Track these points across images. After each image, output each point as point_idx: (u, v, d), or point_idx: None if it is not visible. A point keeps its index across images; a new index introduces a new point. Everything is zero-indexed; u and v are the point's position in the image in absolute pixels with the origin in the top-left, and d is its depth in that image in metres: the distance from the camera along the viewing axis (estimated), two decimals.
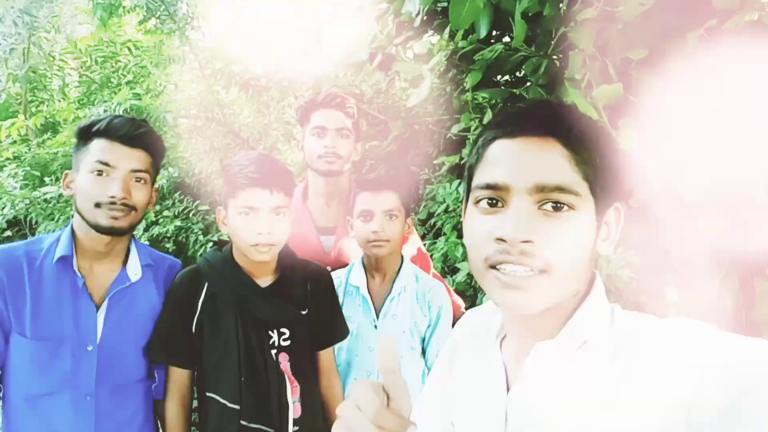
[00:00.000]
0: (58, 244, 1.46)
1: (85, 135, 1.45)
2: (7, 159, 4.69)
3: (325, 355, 1.69)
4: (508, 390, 0.81)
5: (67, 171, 1.52)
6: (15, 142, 4.88)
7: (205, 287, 1.54)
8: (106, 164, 1.41)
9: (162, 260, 1.65)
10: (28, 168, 4.57)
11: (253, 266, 1.55)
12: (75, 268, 1.45)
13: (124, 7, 4.32)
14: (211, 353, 1.51)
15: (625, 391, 0.67)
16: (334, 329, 1.69)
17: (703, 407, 0.59)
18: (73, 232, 1.49)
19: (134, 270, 1.54)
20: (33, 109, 5.99)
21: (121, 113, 3.84)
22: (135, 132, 1.46)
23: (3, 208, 3.99)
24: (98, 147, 1.43)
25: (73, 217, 1.50)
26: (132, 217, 1.46)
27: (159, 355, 1.53)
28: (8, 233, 4.11)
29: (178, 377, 1.54)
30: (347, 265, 1.93)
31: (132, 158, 1.45)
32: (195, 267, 1.60)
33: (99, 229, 1.42)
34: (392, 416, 0.64)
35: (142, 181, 1.48)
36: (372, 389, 0.66)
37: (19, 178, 4.35)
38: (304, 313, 1.57)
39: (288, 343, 1.53)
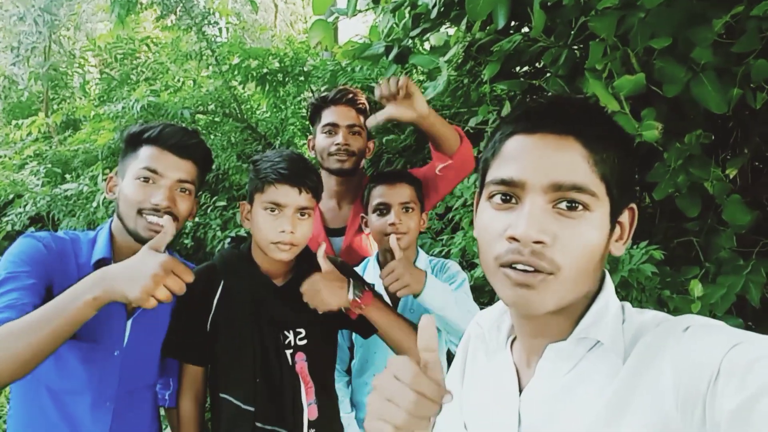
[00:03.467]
0: (95, 246, 1.44)
1: (135, 141, 1.44)
2: (29, 156, 4.75)
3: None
4: (520, 392, 0.81)
5: (111, 174, 1.50)
6: (36, 139, 4.94)
7: (221, 285, 1.52)
8: (154, 171, 1.40)
9: None
10: (50, 165, 4.63)
11: (271, 265, 1.53)
12: None
13: (141, 4, 4.33)
14: (224, 353, 1.49)
15: (639, 390, 0.67)
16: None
17: (717, 406, 0.57)
18: (111, 234, 1.47)
19: None
20: (54, 107, 6.07)
21: (138, 110, 3.86)
22: (187, 142, 1.44)
23: (25, 205, 4.04)
24: (147, 154, 1.41)
25: (112, 220, 1.48)
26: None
27: (174, 353, 1.51)
28: (31, 230, 4.17)
29: (192, 375, 1.52)
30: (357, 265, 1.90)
31: (180, 168, 1.43)
32: (210, 264, 1.58)
33: (138, 239, 1.39)
34: (429, 382, 0.67)
35: (187, 192, 1.46)
36: (408, 360, 0.69)
37: (40, 175, 4.40)
38: (320, 313, 1.53)
39: (304, 342, 1.51)
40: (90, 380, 1.39)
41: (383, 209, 1.75)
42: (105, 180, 1.52)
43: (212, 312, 1.50)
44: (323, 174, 2.04)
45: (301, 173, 1.45)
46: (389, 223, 1.71)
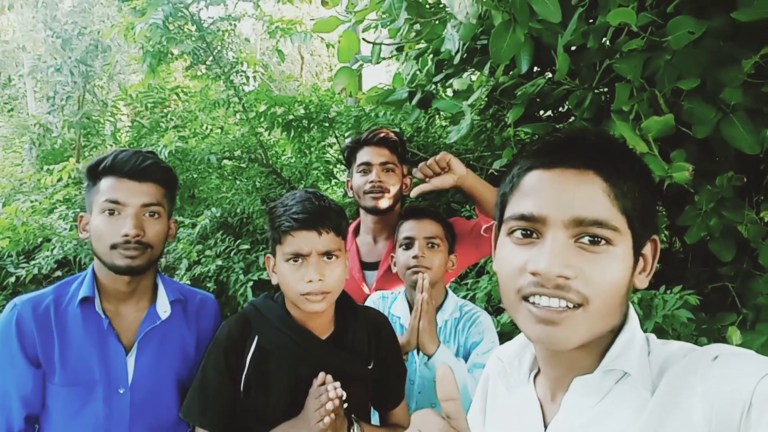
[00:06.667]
0: (81, 286, 1.43)
1: (93, 175, 1.41)
2: (58, 201, 4.84)
3: (399, 412, 1.51)
4: (545, 427, 0.79)
5: (82, 214, 1.47)
6: (67, 185, 5.05)
7: (255, 340, 1.37)
8: (116, 202, 1.37)
9: (192, 294, 1.59)
10: (78, 210, 4.71)
11: (308, 317, 1.39)
12: (98, 309, 1.41)
13: (172, 54, 4.48)
14: (255, 413, 1.34)
15: (669, 422, 0.65)
16: (402, 385, 1.54)
17: None
18: (94, 273, 1.45)
19: (163, 307, 1.49)
20: (86, 154, 6.23)
21: (166, 155, 3.93)
22: (141, 165, 1.40)
23: (53, 249, 4.11)
24: (107, 185, 1.38)
25: (93, 260, 1.46)
26: (149, 255, 1.41)
27: (201, 418, 1.34)
28: (58, 273, 4.22)
29: None
30: None
31: (142, 193, 1.39)
32: (242, 316, 1.42)
33: (117, 270, 1.38)
34: None
35: (156, 215, 1.42)
36: (432, 413, 0.69)
37: (69, 219, 4.48)
38: (370, 367, 1.43)
39: (345, 405, 1.33)
40: (97, 423, 1.37)
41: (408, 243, 1.74)
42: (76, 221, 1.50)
43: (245, 370, 1.35)
44: (362, 212, 2.10)
45: (318, 213, 1.32)
46: (413, 256, 1.70)
